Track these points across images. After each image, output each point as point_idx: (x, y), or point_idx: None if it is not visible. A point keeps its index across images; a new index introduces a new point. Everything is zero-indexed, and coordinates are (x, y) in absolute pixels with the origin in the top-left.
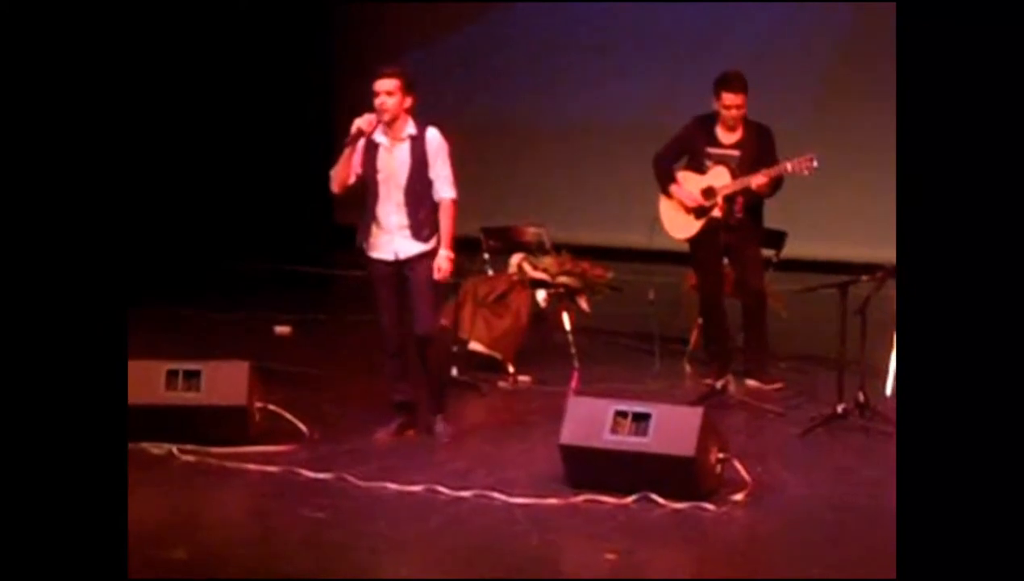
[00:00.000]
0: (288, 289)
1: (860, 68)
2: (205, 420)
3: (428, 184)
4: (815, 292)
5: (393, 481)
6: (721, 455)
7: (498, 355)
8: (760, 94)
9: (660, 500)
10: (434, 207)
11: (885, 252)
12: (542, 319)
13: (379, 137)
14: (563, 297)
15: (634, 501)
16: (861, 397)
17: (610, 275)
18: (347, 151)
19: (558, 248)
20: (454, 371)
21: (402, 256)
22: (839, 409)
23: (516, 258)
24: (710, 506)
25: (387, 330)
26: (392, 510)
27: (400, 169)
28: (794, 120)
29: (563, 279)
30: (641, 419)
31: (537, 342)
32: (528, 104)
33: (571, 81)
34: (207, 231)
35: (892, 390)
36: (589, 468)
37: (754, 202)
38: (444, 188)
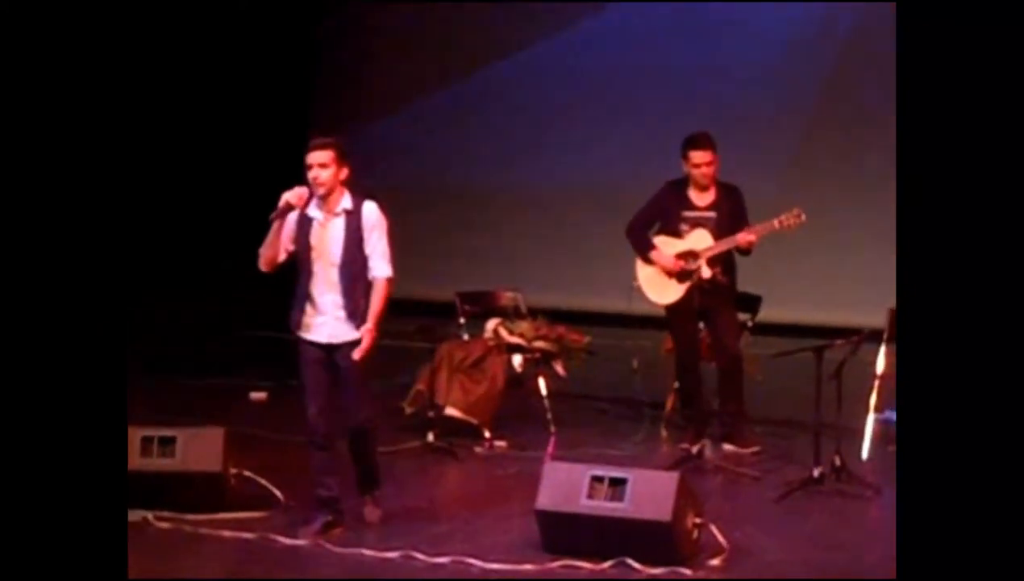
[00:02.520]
0: (264, 355)
1: (831, 132)
2: (180, 487)
3: (364, 261)
4: (790, 356)
5: (369, 548)
6: (698, 520)
7: (474, 420)
8: (732, 159)
9: (637, 565)
10: (370, 287)
11: (860, 316)
12: (518, 384)
13: (313, 211)
14: (539, 362)
15: (611, 567)
16: (837, 461)
17: (586, 340)
18: (275, 226)
19: (534, 313)
20: (430, 437)
21: (335, 341)
22: (815, 473)
23: (492, 323)
24: (687, 571)
25: (313, 420)
26: (369, 577)
27: (334, 245)
28: (766, 184)
29: (539, 344)
30: (617, 484)
31: (513, 407)
32: (504, 169)
33: (547, 146)
34: (181, 298)
35: (868, 453)
36: (566, 533)
37: (729, 265)
38: (379, 265)
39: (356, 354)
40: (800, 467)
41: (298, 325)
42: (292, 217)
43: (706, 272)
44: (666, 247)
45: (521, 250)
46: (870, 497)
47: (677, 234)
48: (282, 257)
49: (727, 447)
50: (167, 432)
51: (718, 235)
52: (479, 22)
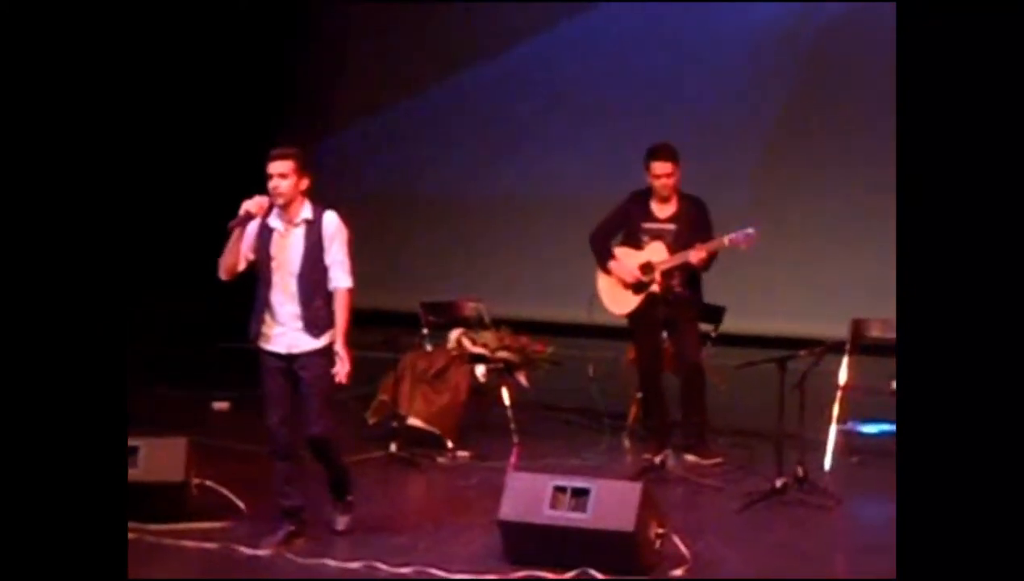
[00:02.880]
0: (226, 365)
1: (799, 142)
2: (143, 496)
3: (324, 272)
4: (753, 367)
5: (332, 558)
6: (660, 530)
7: (437, 430)
8: (699, 168)
9: (599, 575)
10: (330, 298)
11: (824, 327)
12: (481, 394)
13: (274, 221)
14: (502, 372)
15: (573, 577)
16: (800, 471)
17: (549, 350)
18: (235, 234)
19: (497, 323)
20: (393, 447)
21: (294, 351)
22: (778, 483)
23: (455, 333)
24: None
25: (274, 430)
26: None
27: (294, 255)
28: (733, 194)
29: (502, 354)
30: (580, 494)
31: (476, 417)
32: (467, 178)
33: (509, 155)
34: (144, 306)
35: (830, 464)
36: (528, 544)
37: (692, 276)
38: (339, 276)
39: (341, 378)
40: (762, 478)
41: (257, 335)
42: (252, 226)
43: (658, 285)
44: (625, 258)
45: (485, 260)
46: (832, 508)
47: (638, 245)
48: (242, 266)
49: (689, 458)
50: (130, 441)
51: (675, 248)
52: (445, 32)
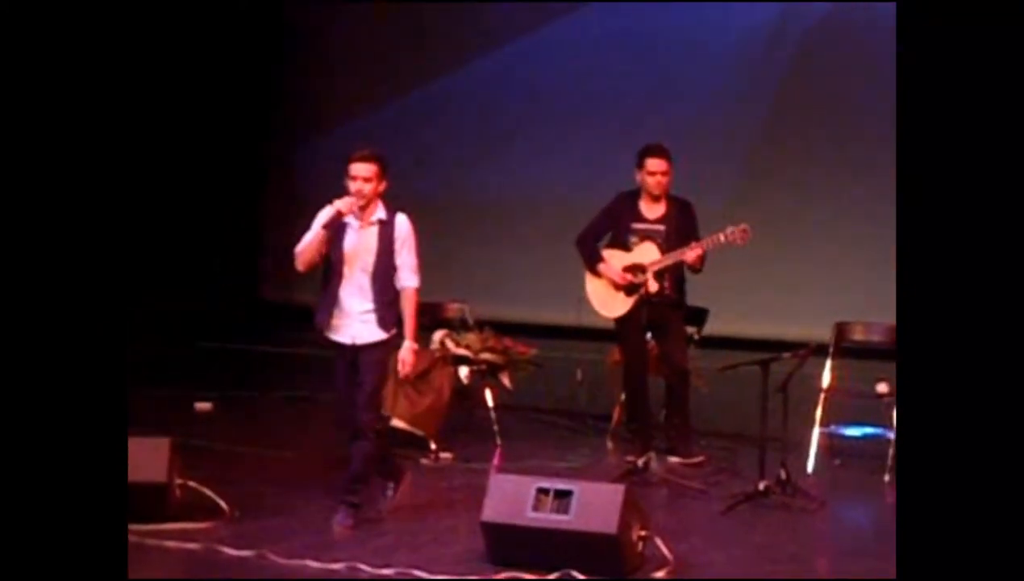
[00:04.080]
0: (210, 365)
1: (783, 144)
2: None
3: (393, 270)
4: (737, 369)
5: (315, 559)
6: (643, 532)
7: (420, 432)
8: (684, 171)
9: (582, 577)
10: (397, 295)
11: (807, 330)
12: (465, 396)
13: (349, 219)
14: (485, 374)
15: (556, 579)
16: (783, 474)
17: (533, 352)
18: (322, 233)
19: (480, 325)
20: None
21: (359, 342)
22: (761, 486)
23: (438, 334)
24: None
25: (343, 414)
26: None
27: (367, 253)
28: (716, 197)
29: (486, 356)
30: (563, 496)
31: (459, 419)
32: (451, 180)
33: (497, 158)
34: (128, 306)
35: (813, 467)
36: (511, 546)
37: (679, 278)
38: (408, 276)
39: (402, 371)
40: (746, 480)
41: (326, 326)
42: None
43: (652, 286)
44: (614, 260)
45: (468, 262)
46: (815, 510)
47: (626, 246)
48: (317, 259)
49: (673, 460)
50: None
51: (665, 249)
52: (432, 33)
